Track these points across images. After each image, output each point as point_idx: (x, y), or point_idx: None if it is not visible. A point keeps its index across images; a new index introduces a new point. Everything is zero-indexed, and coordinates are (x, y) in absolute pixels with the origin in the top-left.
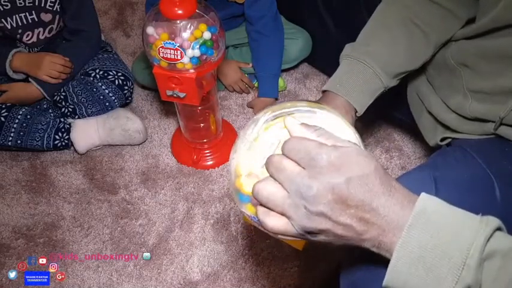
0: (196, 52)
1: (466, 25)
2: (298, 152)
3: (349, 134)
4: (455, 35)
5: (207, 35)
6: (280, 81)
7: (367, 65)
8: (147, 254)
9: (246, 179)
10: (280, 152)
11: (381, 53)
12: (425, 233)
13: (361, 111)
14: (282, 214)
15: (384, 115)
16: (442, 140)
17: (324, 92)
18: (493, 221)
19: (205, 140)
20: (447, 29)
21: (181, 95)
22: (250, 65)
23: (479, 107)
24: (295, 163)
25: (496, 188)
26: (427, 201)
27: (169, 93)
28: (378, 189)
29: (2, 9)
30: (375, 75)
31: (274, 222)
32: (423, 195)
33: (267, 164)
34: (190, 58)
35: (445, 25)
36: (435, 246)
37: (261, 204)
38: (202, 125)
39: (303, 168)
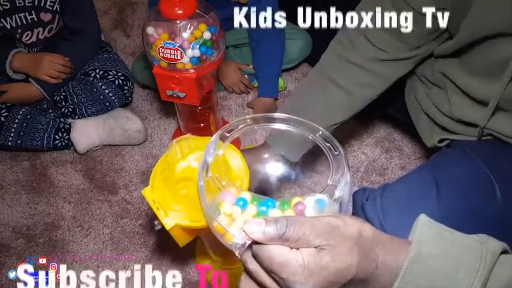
0: (196, 52)
1: (442, 44)
2: (271, 271)
3: None
4: (436, 52)
5: (207, 35)
6: (280, 81)
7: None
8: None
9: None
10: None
11: (305, 109)
12: (421, 278)
13: (294, 160)
14: None
15: (384, 115)
16: (440, 141)
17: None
18: (493, 253)
19: None
20: (373, 88)
21: (181, 95)
22: (251, 66)
23: (462, 114)
24: (273, 280)
25: (497, 188)
26: (421, 245)
27: (169, 93)
28: (365, 280)
29: (1, 9)
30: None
31: None
32: (416, 237)
33: (245, 269)
34: (190, 58)
35: (372, 85)
36: None
37: None
38: (202, 125)
39: None
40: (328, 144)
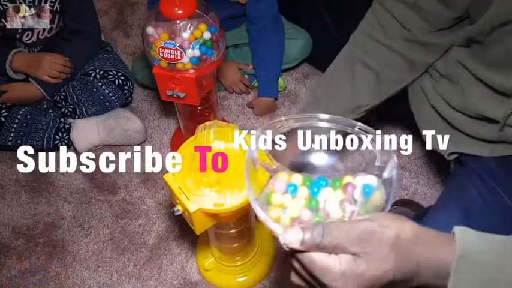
0: (196, 52)
1: (459, 32)
2: (314, 276)
3: None
4: (456, 40)
5: (207, 35)
6: (280, 81)
7: (320, 102)
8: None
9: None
10: None
11: (334, 89)
12: (471, 273)
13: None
14: None
15: (384, 115)
16: (450, 154)
17: None
18: None
19: None
20: (400, 72)
21: (181, 95)
22: (251, 66)
23: (479, 106)
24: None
25: None
26: (466, 242)
27: (169, 93)
28: (404, 279)
29: (1, 9)
30: (327, 111)
31: None
32: (459, 235)
33: (292, 267)
34: (190, 58)
35: (399, 67)
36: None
37: None
38: None
39: None
40: (370, 135)
